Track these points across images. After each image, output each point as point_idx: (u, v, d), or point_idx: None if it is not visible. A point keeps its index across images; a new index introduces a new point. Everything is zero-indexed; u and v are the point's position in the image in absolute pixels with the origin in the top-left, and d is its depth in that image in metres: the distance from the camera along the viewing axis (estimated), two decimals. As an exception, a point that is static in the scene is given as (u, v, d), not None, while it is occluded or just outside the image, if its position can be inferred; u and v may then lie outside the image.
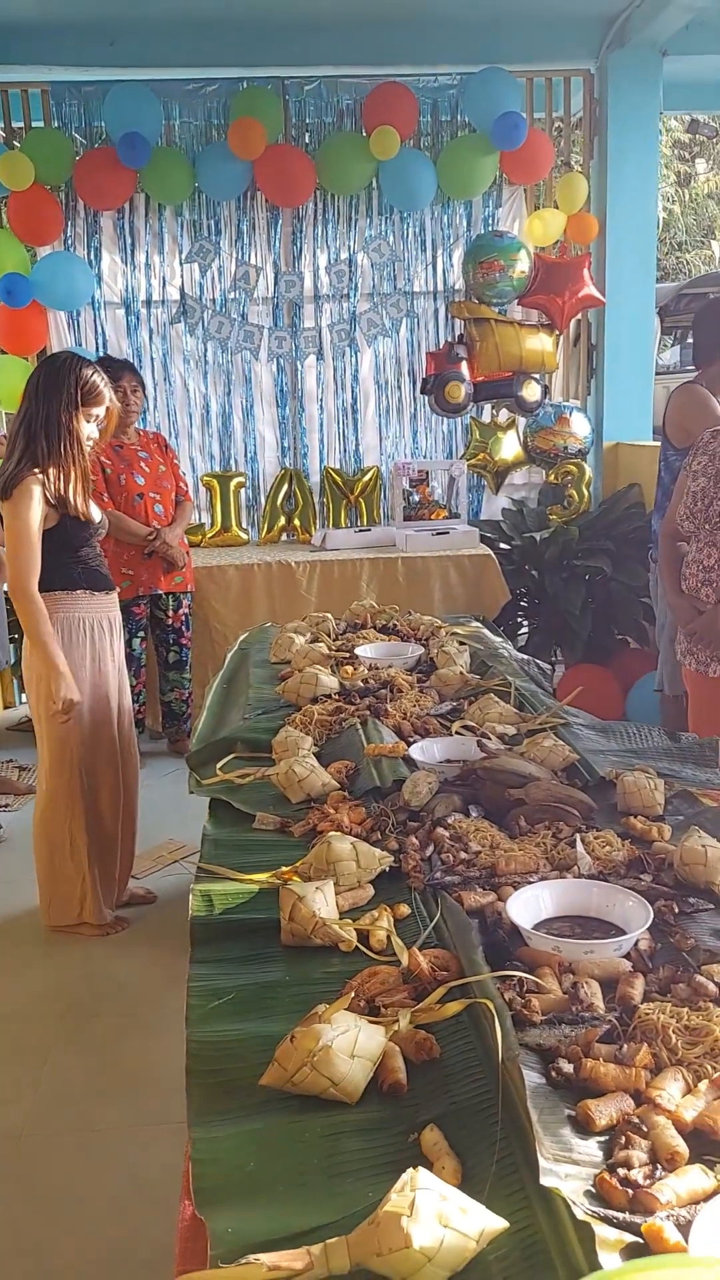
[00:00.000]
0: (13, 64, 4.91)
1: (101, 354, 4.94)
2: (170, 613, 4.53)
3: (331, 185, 5.01)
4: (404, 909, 1.58)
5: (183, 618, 4.57)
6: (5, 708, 5.37)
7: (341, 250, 5.23)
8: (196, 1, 4.59)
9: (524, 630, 5.07)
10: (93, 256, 5.11)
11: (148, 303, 5.22)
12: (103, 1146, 2.27)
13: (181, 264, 5.18)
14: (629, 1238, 0.93)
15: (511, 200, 5.25)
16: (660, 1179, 1.00)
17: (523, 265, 5.00)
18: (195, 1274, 0.96)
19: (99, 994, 2.87)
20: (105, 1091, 2.46)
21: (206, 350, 5.26)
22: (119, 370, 4.35)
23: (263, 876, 1.70)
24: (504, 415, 5.31)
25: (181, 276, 5.19)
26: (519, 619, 5.06)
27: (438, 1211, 0.94)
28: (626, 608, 4.73)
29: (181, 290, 5.20)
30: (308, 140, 5.05)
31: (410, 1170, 0.97)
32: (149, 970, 2.96)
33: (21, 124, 5.01)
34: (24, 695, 4.56)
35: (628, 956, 1.40)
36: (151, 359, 5.24)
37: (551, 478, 5.26)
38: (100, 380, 2.98)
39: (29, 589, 2.91)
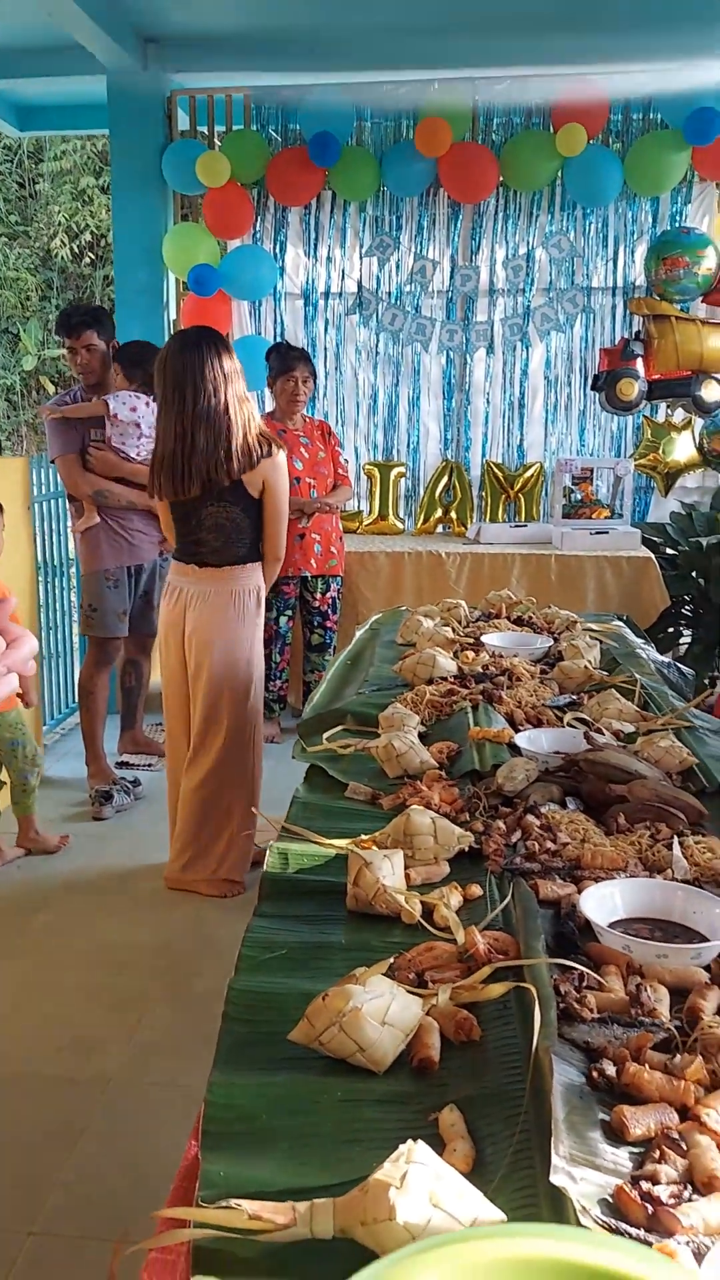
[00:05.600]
0: (219, 70, 5.06)
1: (279, 341, 5.01)
2: (318, 595, 4.56)
3: (515, 182, 4.93)
4: (476, 890, 1.51)
5: (330, 600, 4.59)
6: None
7: (520, 245, 5.13)
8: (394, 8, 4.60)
9: (684, 639, 4.83)
10: (278, 250, 5.22)
11: (325, 294, 5.29)
12: (185, 1103, 2.28)
13: (361, 257, 5.22)
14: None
15: (702, 197, 5.02)
16: (688, 1201, 0.91)
17: (709, 262, 4.77)
18: (177, 1209, 0.95)
19: (203, 953, 2.94)
20: (195, 1050, 2.47)
21: (378, 341, 5.28)
22: (294, 360, 4.42)
23: (341, 842, 1.66)
24: (679, 415, 5.08)
25: (360, 269, 5.23)
26: (680, 627, 4.83)
27: (430, 1190, 0.86)
28: None
29: (359, 283, 5.24)
30: (494, 138, 4.97)
31: (409, 1142, 0.91)
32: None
33: (224, 127, 5.15)
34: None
35: (707, 968, 1.28)
36: (325, 348, 5.30)
37: (727, 482, 5.00)
38: None
39: None
